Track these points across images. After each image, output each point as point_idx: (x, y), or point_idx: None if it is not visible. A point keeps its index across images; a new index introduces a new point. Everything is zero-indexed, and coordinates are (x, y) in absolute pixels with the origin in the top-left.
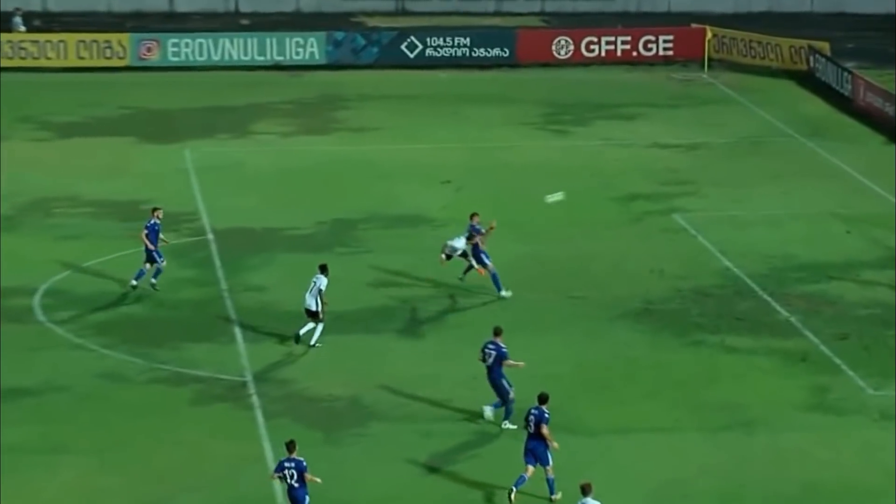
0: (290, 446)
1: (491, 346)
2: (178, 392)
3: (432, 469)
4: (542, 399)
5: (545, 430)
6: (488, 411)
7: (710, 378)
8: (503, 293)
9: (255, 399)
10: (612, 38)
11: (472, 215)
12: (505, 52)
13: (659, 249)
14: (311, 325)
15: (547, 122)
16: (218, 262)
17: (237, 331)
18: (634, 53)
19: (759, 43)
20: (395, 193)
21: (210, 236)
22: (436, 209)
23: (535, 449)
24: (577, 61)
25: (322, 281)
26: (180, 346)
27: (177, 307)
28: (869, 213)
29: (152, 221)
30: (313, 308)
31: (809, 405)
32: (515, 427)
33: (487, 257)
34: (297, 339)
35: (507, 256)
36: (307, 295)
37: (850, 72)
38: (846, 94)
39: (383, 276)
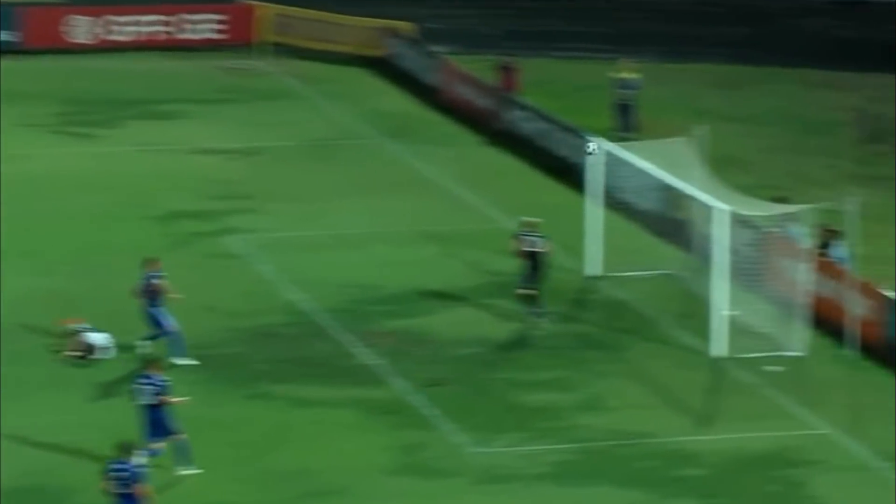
0: None
1: (145, 381)
2: None
3: None
4: (127, 449)
5: (145, 489)
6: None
7: (278, 438)
8: (186, 360)
9: None
10: (144, 18)
11: (153, 260)
12: (10, 36)
13: (210, 280)
14: None
15: (65, 124)
16: None
17: None
18: (173, 37)
19: (328, 23)
20: None
21: None
22: None
23: None
24: (101, 47)
25: None
26: None
27: None
28: (465, 230)
29: None
30: None
31: (399, 467)
32: (194, 471)
33: (165, 318)
34: None
35: (20, 292)
36: None
37: (436, 58)
38: (433, 84)
39: None
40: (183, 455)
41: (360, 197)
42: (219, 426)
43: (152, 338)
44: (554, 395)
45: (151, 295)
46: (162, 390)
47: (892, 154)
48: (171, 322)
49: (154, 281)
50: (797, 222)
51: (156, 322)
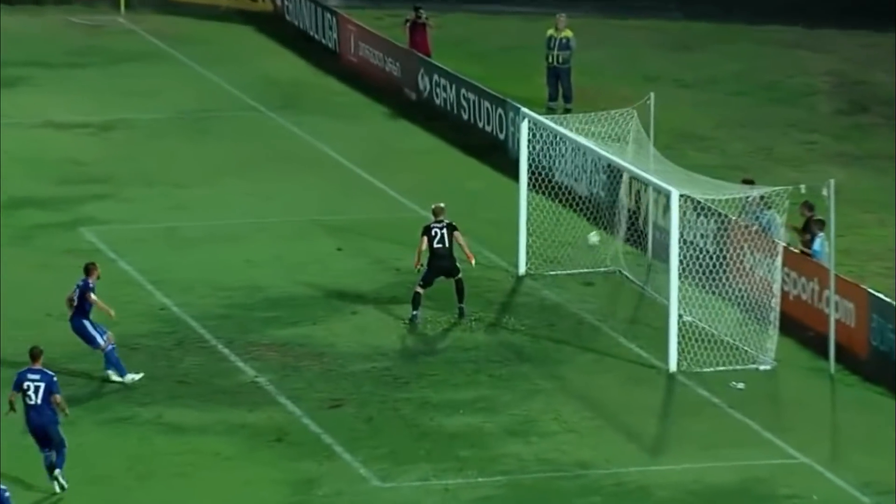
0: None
1: (35, 377)
2: None
3: None
4: None
5: None
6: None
7: (144, 471)
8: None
9: None
10: None
11: (90, 267)
12: None
13: (60, 281)
14: None
15: None
16: None
17: None
18: None
19: None
20: None
21: None
22: None
23: None
24: None
25: None
26: None
27: None
28: (368, 219)
29: None
30: None
31: None
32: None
33: (101, 332)
34: None
35: None
36: None
37: (334, 13)
38: (331, 45)
39: None
40: (60, 461)
41: (243, 180)
42: (71, 457)
43: (114, 366)
44: (476, 418)
45: (83, 306)
46: (53, 386)
47: (877, 127)
48: (106, 337)
49: (89, 290)
50: (768, 209)
51: (88, 338)
